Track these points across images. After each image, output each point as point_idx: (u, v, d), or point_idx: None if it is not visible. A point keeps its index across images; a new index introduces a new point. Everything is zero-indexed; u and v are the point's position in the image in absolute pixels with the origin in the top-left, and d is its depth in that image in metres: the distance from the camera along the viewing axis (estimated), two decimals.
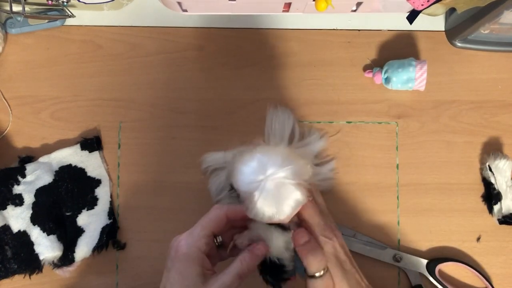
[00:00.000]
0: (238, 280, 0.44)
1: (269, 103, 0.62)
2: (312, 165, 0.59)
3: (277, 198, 0.44)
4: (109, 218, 0.59)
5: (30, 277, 0.58)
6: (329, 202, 0.60)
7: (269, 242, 0.47)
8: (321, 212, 0.48)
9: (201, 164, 0.60)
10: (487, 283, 0.59)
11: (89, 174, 0.60)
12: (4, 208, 0.57)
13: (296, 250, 0.46)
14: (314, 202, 0.48)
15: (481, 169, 0.62)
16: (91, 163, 0.60)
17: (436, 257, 0.59)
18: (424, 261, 0.59)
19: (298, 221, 0.48)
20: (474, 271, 0.59)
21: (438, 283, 0.58)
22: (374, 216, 0.61)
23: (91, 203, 0.59)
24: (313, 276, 0.45)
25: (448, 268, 0.60)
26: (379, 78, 0.61)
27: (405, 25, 0.62)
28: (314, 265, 0.45)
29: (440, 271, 0.59)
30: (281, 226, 0.47)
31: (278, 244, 0.47)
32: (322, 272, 0.45)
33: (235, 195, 0.47)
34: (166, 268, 0.46)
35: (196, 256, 0.45)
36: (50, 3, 0.60)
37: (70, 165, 0.60)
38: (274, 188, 0.44)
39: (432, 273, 0.58)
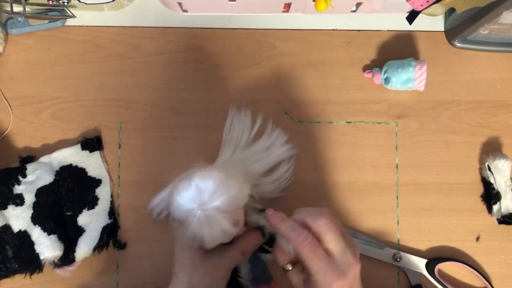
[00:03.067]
0: (241, 255, 0.51)
1: (232, 103, 0.62)
2: (257, 179, 0.59)
3: (207, 228, 0.46)
4: (110, 218, 0.59)
5: (30, 277, 0.58)
6: (329, 202, 0.61)
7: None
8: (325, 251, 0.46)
9: (151, 212, 0.59)
10: (486, 282, 0.59)
11: (89, 174, 0.60)
12: (5, 208, 0.57)
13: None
14: (311, 244, 0.46)
15: (481, 169, 0.62)
16: (92, 163, 0.60)
17: (436, 256, 0.59)
18: (424, 261, 0.59)
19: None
20: (473, 270, 0.59)
21: (438, 282, 0.58)
22: (374, 216, 0.61)
23: (92, 203, 0.60)
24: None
25: (448, 267, 0.60)
26: (379, 78, 0.62)
27: (404, 26, 0.62)
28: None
29: (439, 271, 0.60)
30: None
31: None
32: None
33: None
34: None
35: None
36: (50, 3, 0.60)
37: (70, 165, 0.60)
38: (204, 218, 0.46)
39: (431, 273, 0.58)
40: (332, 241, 0.45)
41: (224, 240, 0.48)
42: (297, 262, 0.48)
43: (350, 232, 0.60)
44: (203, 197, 0.46)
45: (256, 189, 0.57)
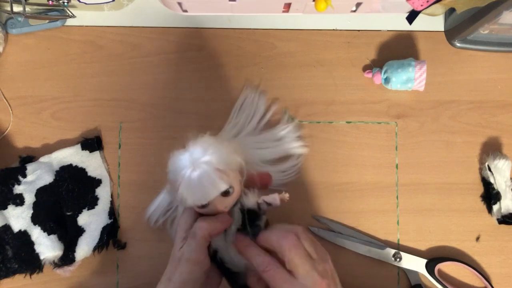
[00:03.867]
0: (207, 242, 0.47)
1: (246, 84, 0.62)
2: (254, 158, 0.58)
3: (197, 183, 0.45)
4: (110, 218, 0.59)
5: (30, 277, 0.58)
6: (329, 202, 0.61)
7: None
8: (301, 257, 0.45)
9: (149, 220, 0.58)
10: (486, 282, 0.59)
11: (89, 174, 0.60)
12: (5, 208, 0.57)
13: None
14: (296, 243, 0.46)
15: (481, 169, 0.62)
16: (92, 163, 0.60)
17: (436, 256, 0.60)
18: (424, 261, 0.59)
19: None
20: (473, 270, 0.59)
21: (438, 282, 0.58)
22: (374, 216, 0.61)
23: (92, 202, 0.60)
24: None
25: (448, 267, 0.60)
26: (379, 78, 0.62)
27: (404, 26, 0.62)
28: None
29: (439, 271, 0.60)
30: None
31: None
32: None
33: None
34: None
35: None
36: (50, 3, 0.60)
37: (70, 165, 0.60)
38: (195, 173, 0.45)
39: (431, 273, 0.58)
40: (297, 264, 0.44)
41: (213, 198, 0.46)
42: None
43: (350, 232, 0.60)
44: (194, 156, 0.46)
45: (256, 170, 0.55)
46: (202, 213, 0.48)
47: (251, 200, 0.50)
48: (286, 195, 0.50)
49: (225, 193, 0.47)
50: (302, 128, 0.62)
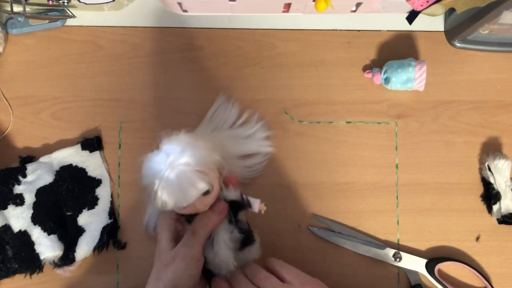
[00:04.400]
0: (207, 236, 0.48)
1: (221, 92, 0.62)
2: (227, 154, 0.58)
3: (177, 186, 0.44)
4: (110, 218, 0.59)
5: (30, 277, 0.58)
6: (329, 202, 0.61)
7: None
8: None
9: (146, 229, 0.58)
10: (486, 282, 0.59)
11: (89, 174, 0.60)
12: (5, 208, 0.57)
13: None
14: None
15: (480, 169, 0.62)
16: (92, 163, 0.60)
17: (435, 256, 0.60)
18: (424, 261, 0.59)
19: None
20: (473, 270, 0.59)
21: (438, 282, 0.58)
22: (374, 216, 0.61)
23: (92, 202, 0.60)
24: None
25: (448, 267, 0.60)
26: (379, 78, 0.62)
27: (404, 26, 0.62)
28: None
29: (439, 271, 0.60)
30: None
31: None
32: None
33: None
34: None
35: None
36: (50, 3, 0.60)
37: (70, 165, 0.60)
38: (173, 175, 0.44)
39: (431, 273, 0.58)
40: (285, 272, 0.48)
41: (193, 200, 0.46)
42: None
43: (350, 232, 0.60)
44: (170, 158, 0.45)
45: (227, 167, 0.54)
46: (181, 213, 0.48)
47: (233, 192, 0.50)
48: (264, 208, 0.51)
49: (206, 192, 0.46)
50: (297, 128, 0.62)
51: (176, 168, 0.44)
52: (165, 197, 0.45)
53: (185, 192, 0.45)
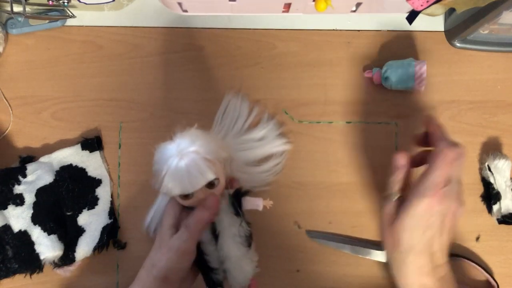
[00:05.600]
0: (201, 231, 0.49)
1: (229, 90, 0.62)
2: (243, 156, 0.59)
3: (185, 172, 0.45)
4: (110, 218, 0.59)
5: (30, 277, 0.58)
6: (329, 202, 0.61)
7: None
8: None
9: (147, 231, 0.57)
10: (487, 275, 0.59)
11: (89, 174, 0.60)
12: (5, 208, 0.57)
13: None
14: None
15: (481, 169, 0.62)
16: (92, 163, 0.60)
17: None
18: None
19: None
20: (474, 264, 0.59)
21: None
22: (374, 216, 0.61)
23: (92, 202, 0.60)
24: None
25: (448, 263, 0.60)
26: (379, 78, 0.62)
27: (404, 26, 0.62)
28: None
29: None
30: None
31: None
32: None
33: None
34: None
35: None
36: (51, 3, 0.60)
37: (70, 165, 0.60)
38: (182, 162, 0.45)
39: None
40: (457, 169, 0.49)
41: (198, 187, 0.46)
42: (401, 196, 0.51)
43: (344, 240, 0.60)
44: (181, 146, 0.46)
45: (242, 178, 0.56)
46: (185, 205, 0.49)
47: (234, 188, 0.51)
48: (270, 202, 0.51)
49: (211, 185, 0.47)
50: (284, 126, 0.62)
51: (186, 155, 0.45)
52: (172, 183, 0.46)
53: (192, 178, 0.46)
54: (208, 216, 0.48)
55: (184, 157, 0.45)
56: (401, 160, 0.51)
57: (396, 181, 0.51)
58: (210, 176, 0.46)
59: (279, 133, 0.61)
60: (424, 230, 0.48)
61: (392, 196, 0.51)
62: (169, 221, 0.49)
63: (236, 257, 0.49)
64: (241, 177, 0.56)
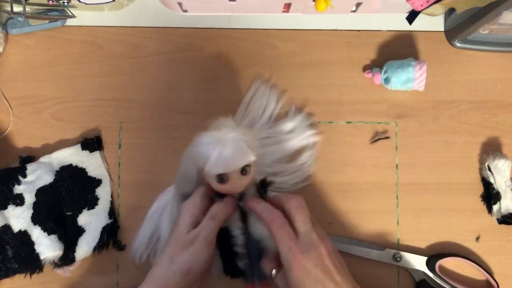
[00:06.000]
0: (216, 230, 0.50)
1: (256, 77, 0.62)
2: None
3: (233, 150, 0.49)
4: (110, 218, 0.59)
5: (30, 277, 0.58)
6: (329, 202, 0.61)
7: None
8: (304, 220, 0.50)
9: (134, 255, 0.57)
10: (487, 274, 0.59)
11: (89, 174, 0.60)
12: (5, 208, 0.57)
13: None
14: (302, 206, 0.50)
15: (481, 169, 0.62)
16: (92, 163, 0.60)
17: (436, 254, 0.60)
18: (424, 258, 0.59)
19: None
20: (474, 264, 0.59)
21: (439, 279, 0.58)
22: (374, 216, 0.61)
23: (92, 202, 0.60)
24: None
25: (448, 263, 0.60)
26: (379, 78, 0.62)
27: (404, 26, 0.62)
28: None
29: (440, 267, 0.59)
30: None
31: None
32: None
33: None
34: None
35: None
36: (51, 3, 0.60)
37: (70, 165, 0.60)
38: (230, 142, 0.49)
39: (432, 270, 0.58)
40: (300, 221, 0.49)
41: (235, 176, 0.50)
42: (281, 269, 0.51)
43: (346, 240, 0.60)
44: (224, 131, 0.49)
45: (275, 178, 0.57)
46: (218, 190, 0.51)
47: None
48: None
49: (244, 171, 0.50)
50: (313, 117, 0.62)
51: (232, 138, 0.49)
52: (217, 161, 0.48)
53: (237, 157, 0.49)
54: (232, 207, 0.51)
55: (228, 140, 0.49)
56: (266, 265, 0.52)
57: (266, 265, 0.52)
58: (251, 158, 0.50)
59: (309, 124, 0.61)
60: None
61: (273, 275, 0.51)
62: (187, 220, 0.50)
63: (268, 236, 0.52)
64: (275, 178, 0.57)
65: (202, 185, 0.52)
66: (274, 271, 0.51)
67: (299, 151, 0.60)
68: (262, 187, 0.53)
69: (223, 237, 0.52)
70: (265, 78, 0.62)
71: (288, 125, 0.60)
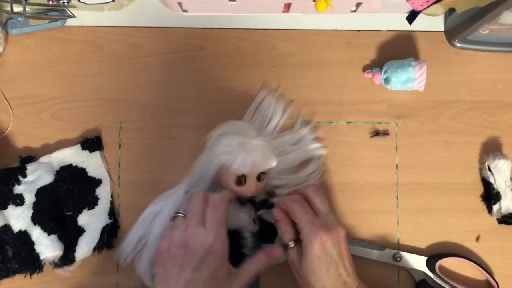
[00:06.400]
0: (255, 278, 0.50)
1: (264, 83, 0.62)
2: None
3: (260, 153, 0.53)
4: (110, 218, 0.59)
5: (30, 277, 0.58)
6: (329, 202, 0.61)
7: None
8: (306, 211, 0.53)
9: (119, 257, 0.57)
10: (487, 274, 0.59)
11: (89, 174, 0.60)
12: (5, 208, 0.57)
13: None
14: (300, 201, 0.54)
15: (480, 169, 0.62)
16: (92, 163, 0.60)
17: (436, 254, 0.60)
18: (424, 258, 0.59)
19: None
20: (474, 264, 0.59)
21: (439, 279, 0.58)
22: (374, 216, 0.61)
23: (92, 202, 0.60)
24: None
25: (448, 263, 0.60)
26: (379, 78, 0.62)
27: (404, 26, 0.62)
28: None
29: (440, 267, 0.59)
30: None
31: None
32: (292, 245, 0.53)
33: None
34: (190, 266, 0.47)
35: (225, 253, 0.49)
36: (51, 3, 0.60)
37: (70, 165, 0.60)
38: (257, 146, 0.53)
39: (432, 270, 0.58)
40: (320, 203, 0.53)
41: (252, 180, 0.53)
42: (297, 243, 0.53)
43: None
44: (248, 134, 0.54)
45: (279, 191, 0.58)
46: (232, 191, 0.54)
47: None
48: None
49: (260, 178, 0.54)
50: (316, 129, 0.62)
51: (258, 142, 0.53)
52: (245, 161, 0.52)
53: (263, 160, 0.53)
54: (231, 196, 0.54)
55: (254, 144, 0.53)
56: (277, 214, 0.54)
57: (284, 232, 0.53)
58: (274, 163, 0.54)
59: (315, 137, 0.61)
60: (327, 268, 0.50)
61: (289, 246, 0.53)
62: (195, 221, 0.50)
63: (277, 239, 0.55)
64: (274, 186, 0.58)
65: (215, 186, 0.55)
66: (292, 243, 0.53)
67: (304, 164, 0.60)
68: (269, 195, 0.56)
69: (233, 239, 0.52)
70: (273, 87, 0.62)
71: (295, 136, 0.60)
